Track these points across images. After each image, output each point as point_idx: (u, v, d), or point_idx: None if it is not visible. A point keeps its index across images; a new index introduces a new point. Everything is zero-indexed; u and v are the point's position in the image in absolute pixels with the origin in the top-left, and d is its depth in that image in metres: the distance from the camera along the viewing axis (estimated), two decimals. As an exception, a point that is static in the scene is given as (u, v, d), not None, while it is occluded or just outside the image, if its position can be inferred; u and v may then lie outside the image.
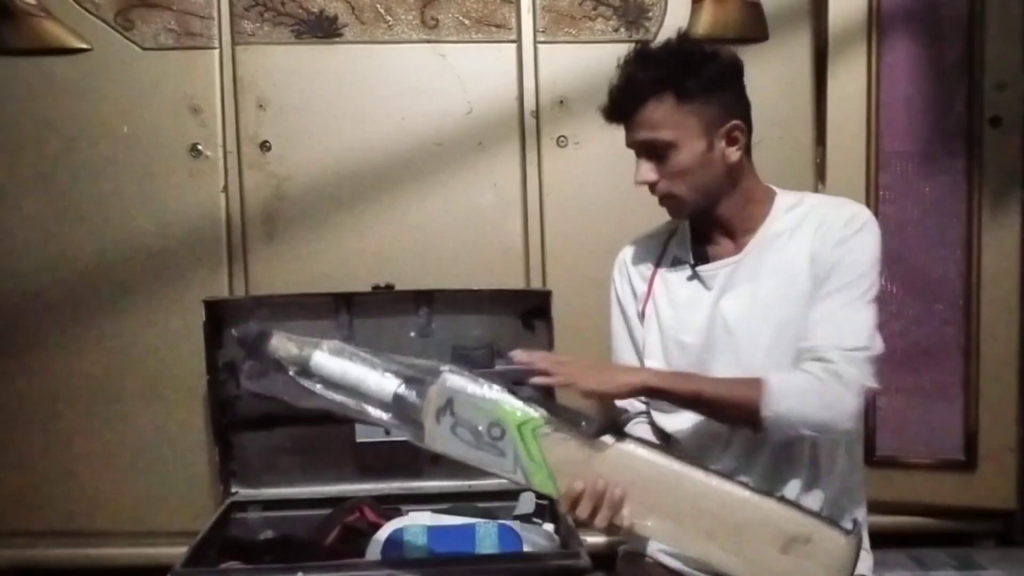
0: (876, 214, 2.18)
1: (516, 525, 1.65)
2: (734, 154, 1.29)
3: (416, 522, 1.65)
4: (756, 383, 1.18)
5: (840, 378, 1.17)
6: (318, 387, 1.10)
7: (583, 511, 1.04)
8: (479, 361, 1.93)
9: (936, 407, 2.24)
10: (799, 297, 1.25)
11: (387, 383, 1.09)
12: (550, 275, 2.21)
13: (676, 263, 1.38)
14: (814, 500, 1.26)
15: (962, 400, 2.23)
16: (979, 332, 2.20)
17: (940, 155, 2.22)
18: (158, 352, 2.18)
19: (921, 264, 2.23)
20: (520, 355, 1.14)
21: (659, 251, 1.40)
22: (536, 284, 2.20)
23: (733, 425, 1.24)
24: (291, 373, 1.11)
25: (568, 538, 1.58)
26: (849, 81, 2.21)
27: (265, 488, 1.93)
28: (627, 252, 1.45)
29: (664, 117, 1.25)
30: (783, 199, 1.34)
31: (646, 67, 1.27)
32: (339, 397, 1.11)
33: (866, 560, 1.32)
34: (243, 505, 1.89)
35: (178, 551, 1.56)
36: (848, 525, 1.06)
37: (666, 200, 1.31)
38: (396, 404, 1.09)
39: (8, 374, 2.18)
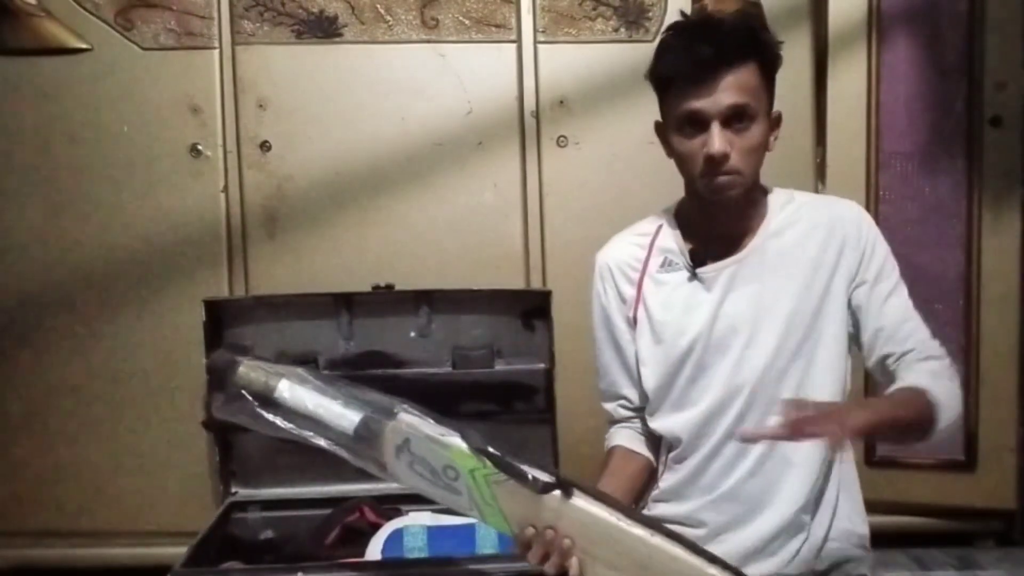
0: (876, 214, 2.22)
1: (516, 525, 1.65)
2: (772, 143, 1.26)
3: (416, 522, 1.65)
4: (921, 396, 1.18)
5: (956, 374, 1.25)
6: (279, 420, 1.10)
7: (534, 557, 1.04)
8: (479, 361, 1.93)
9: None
10: (805, 296, 1.24)
11: (347, 419, 1.09)
12: (550, 275, 2.21)
13: (667, 264, 1.32)
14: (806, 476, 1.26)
15: (962, 400, 2.23)
16: (979, 332, 2.20)
17: (940, 155, 2.22)
18: (158, 352, 2.18)
19: (921, 264, 2.23)
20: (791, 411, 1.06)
21: (645, 252, 1.34)
22: (536, 284, 2.20)
23: (905, 442, 1.27)
24: (255, 406, 1.11)
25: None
26: (849, 81, 2.21)
27: (265, 488, 1.93)
28: (608, 255, 1.38)
29: (753, 85, 1.19)
30: (776, 197, 1.32)
31: (733, 32, 1.21)
32: (301, 430, 1.10)
33: (865, 560, 1.32)
34: (243, 505, 1.89)
35: (178, 551, 1.56)
36: (821, 564, 1.08)
37: (728, 176, 1.21)
38: (356, 439, 1.08)
39: (8, 374, 2.18)
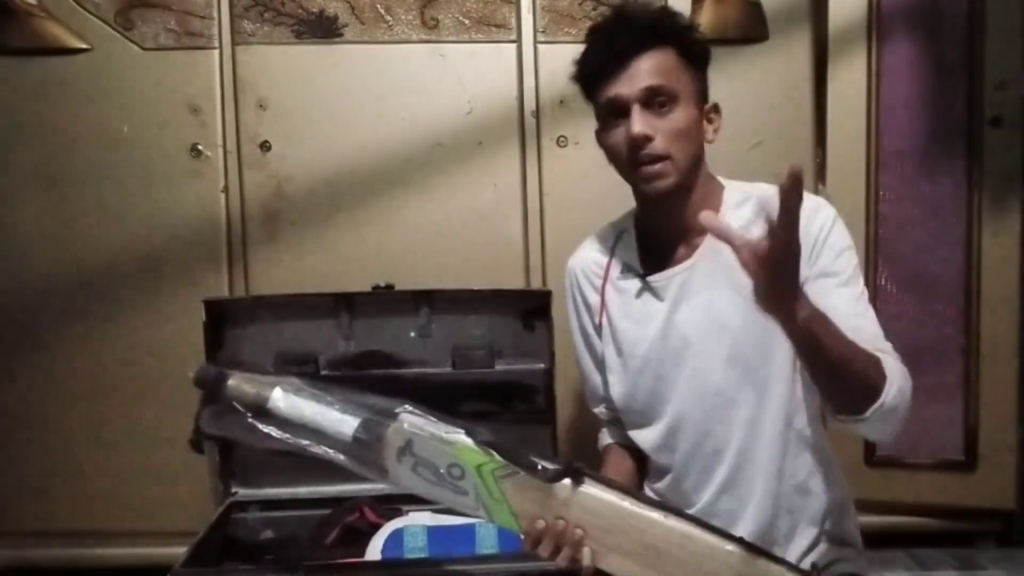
0: (876, 214, 2.23)
1: (516, 525, 1.65)
2: (711, 135, 1.25)
3: (416, 522, 1.65)
4: (875, 358, 1.08)
5: (908, 377, 1.11)
6: (274, 430, 1.08)
7: (545, 550, 1.03)
8: (479, 361, 1.93)
9: (936, 407, 2.24)
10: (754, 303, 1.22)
11: (345, 424, 1.07)
12: (550, 275, 2.21)
13: (626, 271, 1.31)
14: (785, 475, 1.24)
15: (962, 400, 2.23)
16: (979, 332, 2.20)
17: (940, 155, 2.22)
18: (158, 352, 2.18)
19: (921, 264, 2.23)
20: (709, 219, 0.98)
21: (607, 258, 1.33)
22: (536, 284, 2.21)
23: (842, 401, 1.10)
24: (248, 418, 1.08)
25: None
26: (849, 81, 2.21)
27: (265, 488, 1.93)
28: (575, 262, 1.38)
29: (669, 68, 1.19)
30: (730, 194, 1.27)
31: (645, 19, 1.21)
32: (297, 439, 1.08)
33: (856, 559, 1.31)
34: (243, 505, 1.89)
35: (178, 551, 1.56)
36: (807, 567, 1.06)
37: (658, 163, 1.19)
38: (356, 445, 1.06)
39: (8, 374, 2.18)
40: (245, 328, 1.91)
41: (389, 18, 2.20)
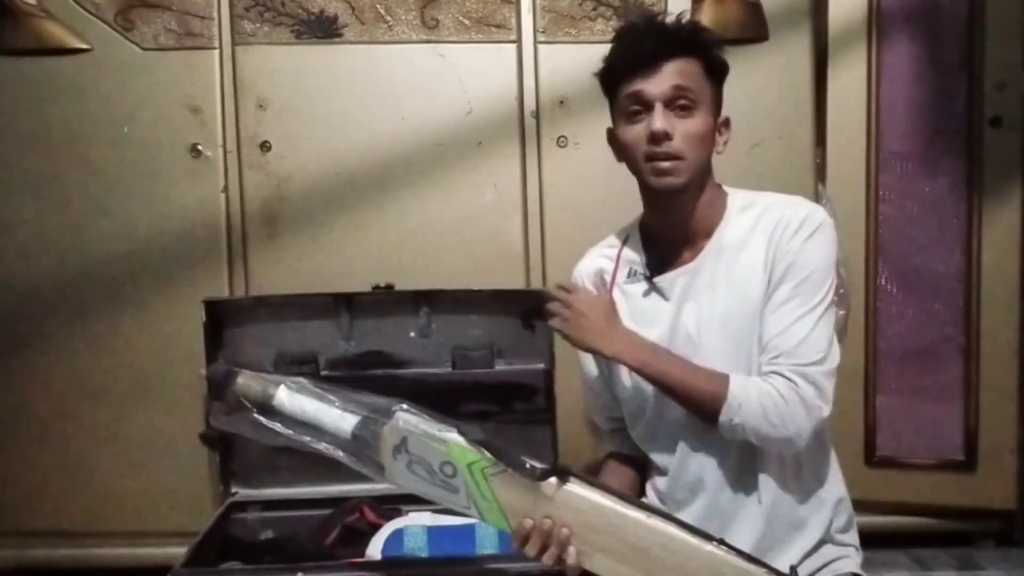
0: (876, 214, 2.23)
1: (516, 525, 1.65)
2: (721, 146, 1.29)
3: (416, 522, 1.65)
4: (722, 382, 1.20)
5: (802, 401, 1.18)
6: (278, 426, 1.13)
7: (531, 549, 1.05)
8: (479, 361, 1.93)
9: (936, 407, 2.24)
10: (744, 305, 1.24)
11: (345, 421, 1.11)
12: (550, 275, 2.21)
13: (632, 275, 1.35)
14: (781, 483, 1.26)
15: (962, 400, 2.23)
16: (979, 332, 2.20)
17: (940, 155, 2.22)
18: (158, 352, 2.18)
19: (921, 264, 2.23)
20: (558, 291, 1.29)
21: (614, 263, 1.37)
22: (536, 284, 2.20)
23: (693, 412, 1.25)
24: (254, 413, 1.14)
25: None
26: (849, 81, 2.21)
27: (265, 488, 1.93)
28: (582, 268, 1.42)
29: (695, 75, 1.25)
30: (734, 200, 1.32)
31: (677, 28, 1.27)
32: (300, 435, 1.13)
33: (855, 558, 1.32)
34: (243, 505, 1.89)
35: (178, 551, 1.56)
36: (786, 570, 1.07)
37: (671, 161, 1.24)
38: (354, 442, 1.11)
39: (8, 374, 2.18)
40: (245, 328, 1.91)
41: (389, 18, 2.20)
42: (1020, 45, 2.16)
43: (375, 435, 1.09)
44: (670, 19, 1.29)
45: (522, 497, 1.05)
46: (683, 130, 1.23)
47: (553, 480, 1.05)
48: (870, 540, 1.39)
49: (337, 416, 1.12)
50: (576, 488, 1.05)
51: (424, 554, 1.56)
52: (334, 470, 1.92)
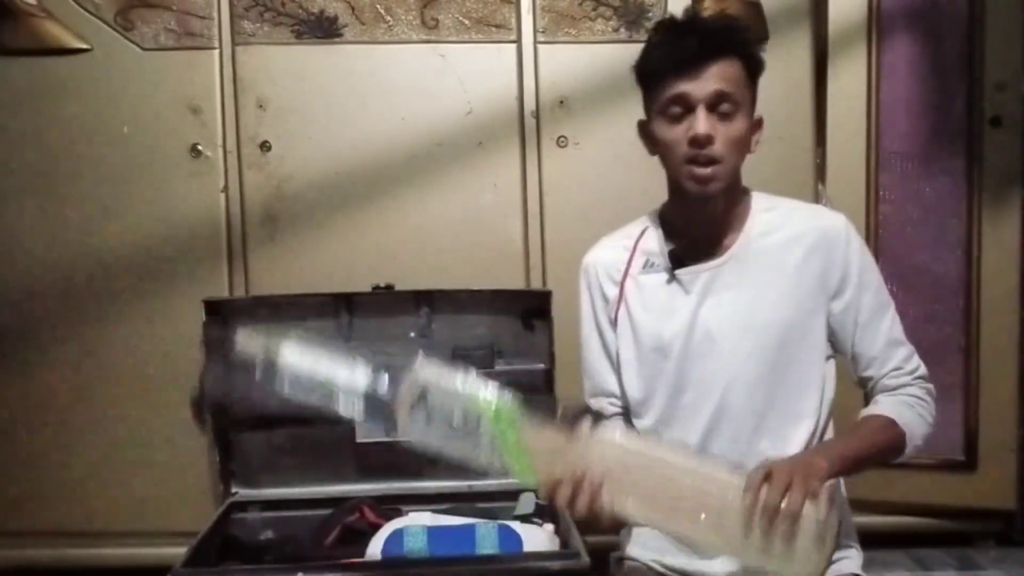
0: (876, 214, 2.23)
1: (516, 525, 1.65)
2: (754, 146, 1.29)
3: (416, 522, 1.65)
4: (891, 425, 1.24)
5: (932, 397, 1.29)
6: (282, 384, 1.08)
7: (562, 497, 1.02)
8: (479, 361, 1.93)
9: (936, 407, 2.24)
10: (783, 307, 1.24)
11: (357, 377, 1.07)
12: (550, 275, 2.21)
13: (649, 266, 1.33)
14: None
15: (962, 400, 2.23)
16: (979, 332, 2.21)
17: (940, 155, 2.22)
18: (158, 352, 2.18)
19: (921, 264, 2.23)
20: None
21: (629, 253, 1.35)
22: (536, 284, 2.20)
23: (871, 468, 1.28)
24: (258, 372, 1.08)
25: (568, 538, 1.58)
26: (849, 81, 2.21)
27: (265, 488, 1.93)
28: (594, 256, 1.40)
29: (736, 77, 1.23)
30: (758, 201, 1.32)
31: (720, 27, 1.26)
32: (307, 395, 1.08)
33: (855, 559, 1.31)
34: (243, 505, 1.89)
35: (178, 551, 1.56)
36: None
37: (712, 167, 1.22)
38: (367, 398, 1.06)
39: (8, 374, 2.18)
40: (245, 328, 1.91)
41: (389, 18, 2.20)
42: (1020, 45, 2.16)
43: (391, 390, 1.05)
44: (709, 15, 1.28)
45: (551, 445, 1.03)
46: (724, 134, 1.22)
47: (584, 426, 1.03)
48: (870, 540, 1.39)
49: (348, 372, 1.07)
50: (607, 433, 1.04)
51: (424, 554, 1.56)
52: (334, 470, 1.94)
